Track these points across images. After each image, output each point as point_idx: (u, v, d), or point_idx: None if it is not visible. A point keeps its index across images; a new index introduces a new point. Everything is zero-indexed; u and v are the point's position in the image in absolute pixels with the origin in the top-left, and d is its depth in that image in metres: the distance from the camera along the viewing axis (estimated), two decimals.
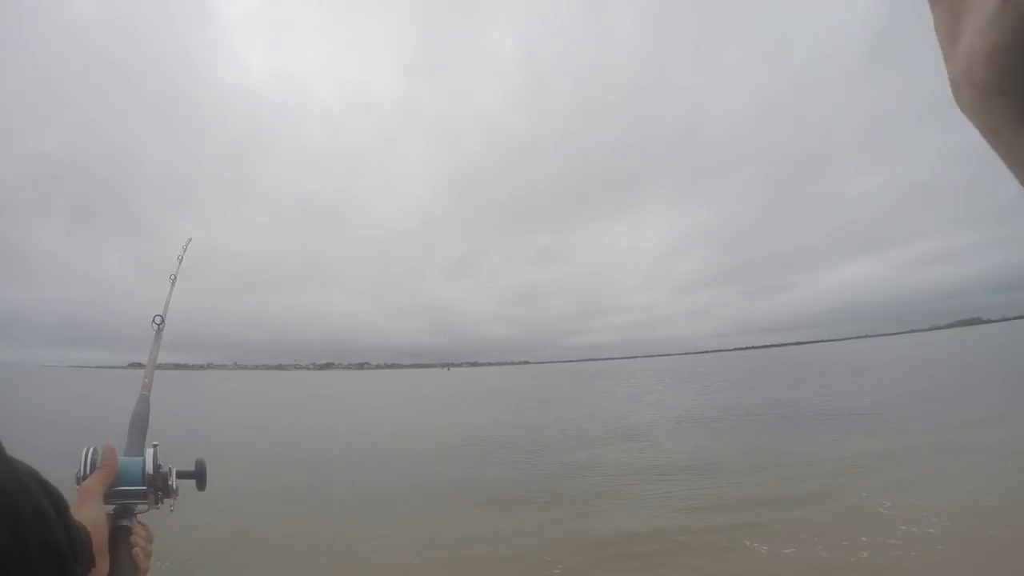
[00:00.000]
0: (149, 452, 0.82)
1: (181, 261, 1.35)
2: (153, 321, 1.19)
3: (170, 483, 0.81)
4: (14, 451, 0.48)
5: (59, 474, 0.61)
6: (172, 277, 1.29)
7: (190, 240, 1.43)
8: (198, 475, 0.88)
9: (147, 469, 0.79)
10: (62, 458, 0.83)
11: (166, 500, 0.82)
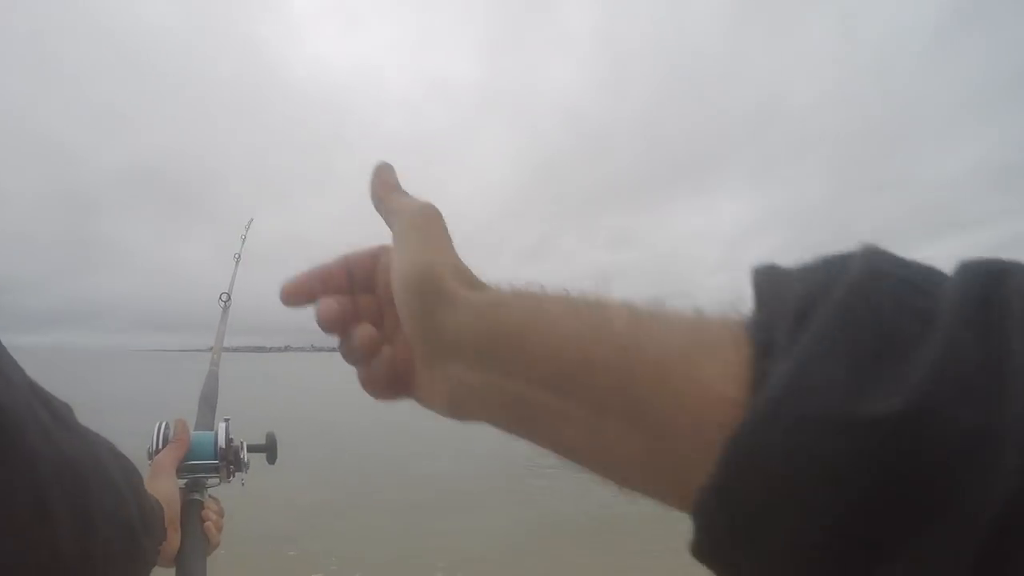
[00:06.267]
0: (221, 426, 0.82)
1: (244, 240, 1.35)
2: (220, 299, 1.19)
3: (241, 456, 0.81)
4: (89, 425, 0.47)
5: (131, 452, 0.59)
6: (236, 256, 1.30)
7: (251, 220, 1.42)
8: (268, 448, 0.87)
9: (219, 443, 0.79)
10: (134, 436, 0.83)
11: (237, 474, 0.81)
